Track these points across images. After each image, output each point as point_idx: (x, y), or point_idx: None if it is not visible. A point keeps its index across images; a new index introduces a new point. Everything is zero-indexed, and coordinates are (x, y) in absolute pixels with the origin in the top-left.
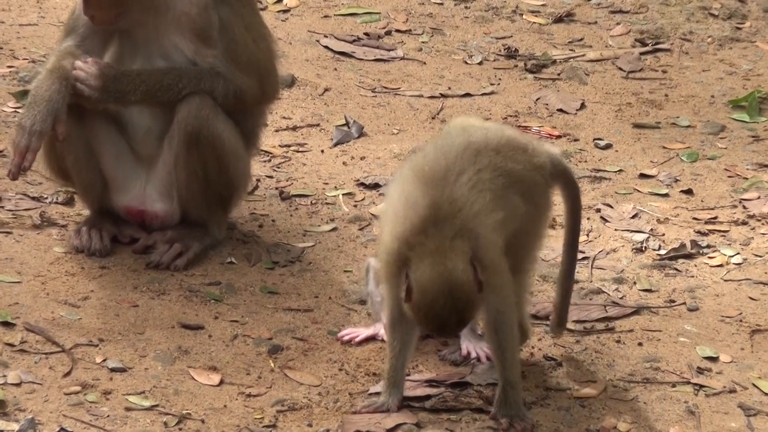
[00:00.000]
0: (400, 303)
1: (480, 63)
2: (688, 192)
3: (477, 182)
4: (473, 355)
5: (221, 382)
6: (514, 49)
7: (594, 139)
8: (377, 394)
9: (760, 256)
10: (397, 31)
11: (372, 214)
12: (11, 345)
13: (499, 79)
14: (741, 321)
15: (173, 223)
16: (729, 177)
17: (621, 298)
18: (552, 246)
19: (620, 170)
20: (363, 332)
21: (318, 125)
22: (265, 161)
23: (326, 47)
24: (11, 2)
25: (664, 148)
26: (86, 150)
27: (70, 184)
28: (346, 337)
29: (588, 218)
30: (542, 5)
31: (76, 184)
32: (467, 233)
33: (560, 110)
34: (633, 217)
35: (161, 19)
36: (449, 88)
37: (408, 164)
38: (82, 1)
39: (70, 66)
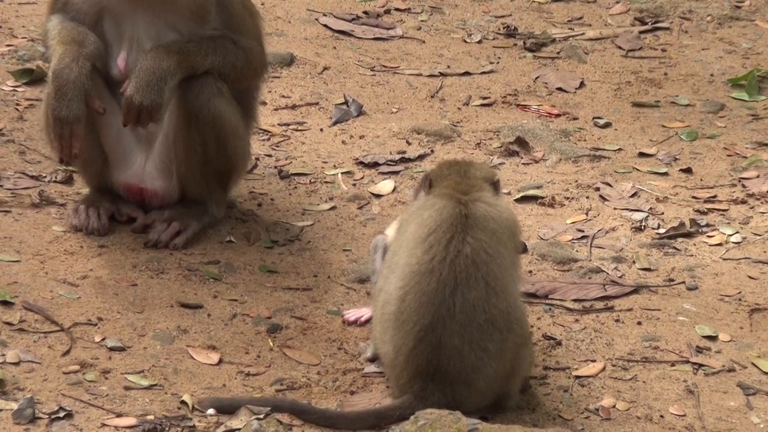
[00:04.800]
0: None
1: (479, 42)
2: (688, 171)
3: None
4: None
5: (220, 361)
6: (513, 27)
7: (593, 118)
8: None
9: (760, 235)
10: (397, 9)
11: (371, 193)
12: (10, 324)
13: (499, 57)
14: (740, 300)
15: (172, 202)
16: (728, 156)
17: (620, 277)
18: (551, 225)
19: (619, 149)
20: (367, 312)
21: (317, 104)
22: (264, 140)
23: (325, 26)
24: None
25: (663, 126)
26: (87, 125)
27: None
28: (352, 318)
29: (587, 197)
30: None
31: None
32: None
33: (559, 89)
34: (632, 195)
35: None
36: (448, 67)
37: None
38: None
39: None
